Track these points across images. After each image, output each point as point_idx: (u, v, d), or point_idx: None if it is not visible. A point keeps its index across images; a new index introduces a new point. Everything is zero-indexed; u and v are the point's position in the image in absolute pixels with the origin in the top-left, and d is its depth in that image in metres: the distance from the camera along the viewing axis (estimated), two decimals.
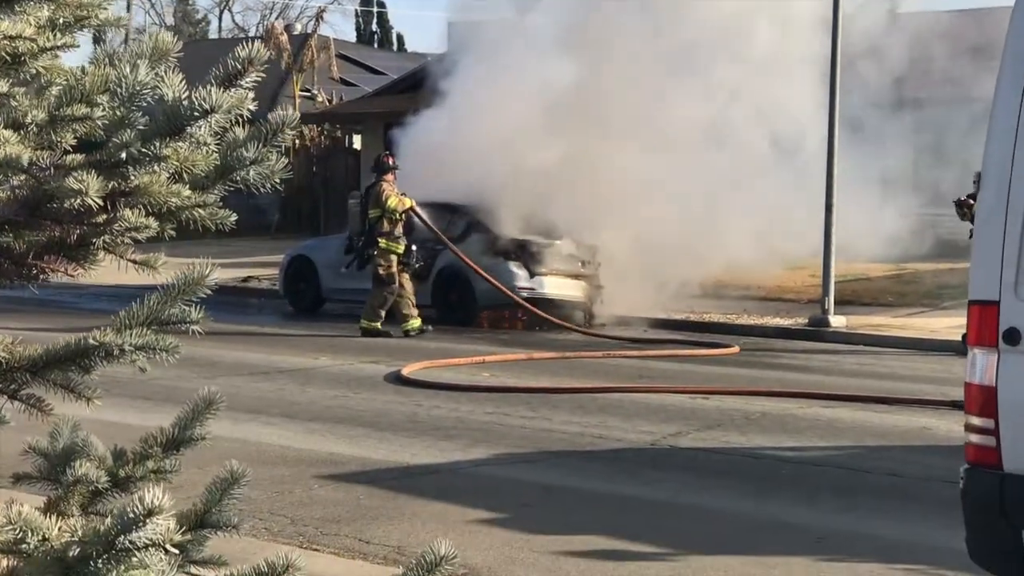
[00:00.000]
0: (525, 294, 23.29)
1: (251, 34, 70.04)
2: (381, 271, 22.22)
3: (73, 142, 2.62)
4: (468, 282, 23.30)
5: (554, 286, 23.60)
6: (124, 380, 15.84)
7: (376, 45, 73.94)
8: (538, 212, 23.52)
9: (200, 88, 2.57)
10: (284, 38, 45.12)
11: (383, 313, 22.28)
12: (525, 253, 23.45)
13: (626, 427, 14.47)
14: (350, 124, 43.72)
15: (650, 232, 23.78)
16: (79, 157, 2.62)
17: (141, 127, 2.51)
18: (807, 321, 23.63)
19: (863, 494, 11.63)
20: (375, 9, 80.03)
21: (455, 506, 10.99)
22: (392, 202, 22.12)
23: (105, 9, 2.97)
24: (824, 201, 23.26)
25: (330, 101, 44.64)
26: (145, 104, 2.53)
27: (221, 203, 2.79)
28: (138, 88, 2.50)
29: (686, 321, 24.19)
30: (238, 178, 2.71)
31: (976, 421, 6.99)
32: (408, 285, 22.49)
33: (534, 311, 22.70)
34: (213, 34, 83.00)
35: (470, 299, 23.35)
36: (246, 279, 30.77)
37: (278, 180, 2.74)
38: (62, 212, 2.60)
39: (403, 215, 22.32)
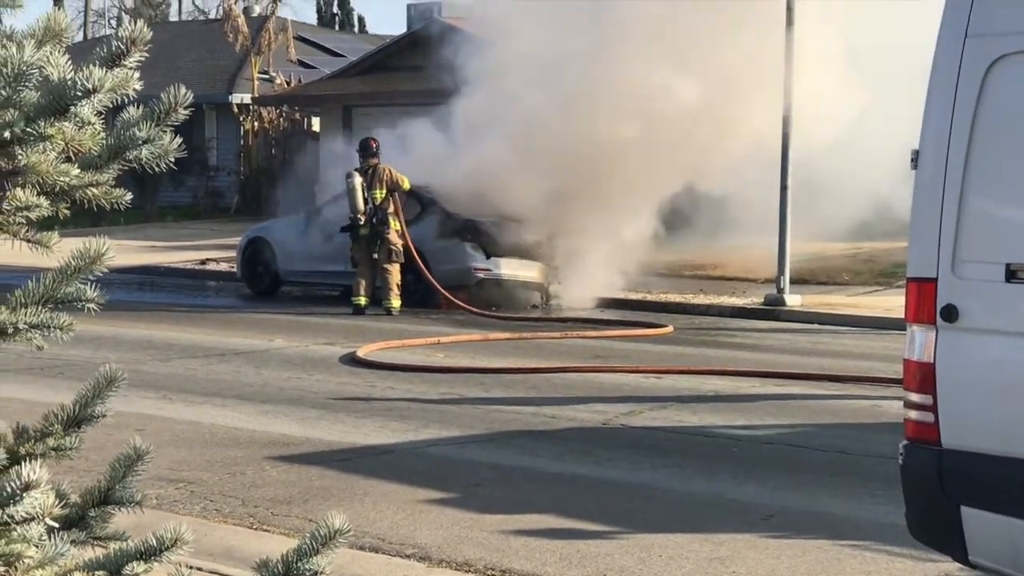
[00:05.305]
0: (481, 275, 23.31)
1: (211, 16, 69.75)
2: (395, 248, 22.70)
3: None
4: (426, 263, 23.27)
5: (510, 267, 23.59)
6: (81, 362, 15.88)
7: (337, 27, 73.61)
8: (495, 194, 23.50)
9: (84, 68, 2.58)
10: (242, 20, 44.98)
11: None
12: (481, 234, 23.44)
13: (579, 407, 14.51)
14: (309, 106, 43.72)
15: (608, 213, 23.80)
16: None
17: (28, 108, 2.52)
18: (763, 300, 23.69)
19: (813, 472, 11.69)
20: None
21: (406, 486, 11.01)
22: (407, 183, 22.97)
23: None
24: (780, 181, 23.32)
25: (288, 83, 44.57)
26: (33, 84, 2.54)
27: (114, 183, 2.80)
28: (24, 68, 2.52)
29: (642, 301, 24.21)
30: (131, 157, 2.73)
31: (914, 397, 7.07)
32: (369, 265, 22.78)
33: (456, 302, 22.62)
34: (173, 16, 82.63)
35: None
36: (204, 261, 30.72)
37: (171, 159, 2.76)
38: None
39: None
